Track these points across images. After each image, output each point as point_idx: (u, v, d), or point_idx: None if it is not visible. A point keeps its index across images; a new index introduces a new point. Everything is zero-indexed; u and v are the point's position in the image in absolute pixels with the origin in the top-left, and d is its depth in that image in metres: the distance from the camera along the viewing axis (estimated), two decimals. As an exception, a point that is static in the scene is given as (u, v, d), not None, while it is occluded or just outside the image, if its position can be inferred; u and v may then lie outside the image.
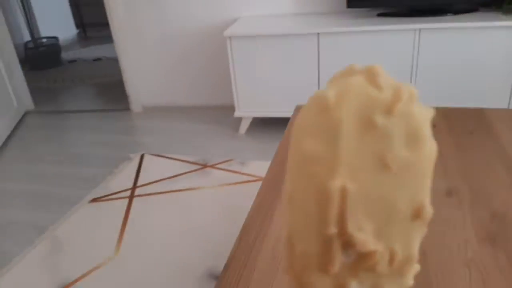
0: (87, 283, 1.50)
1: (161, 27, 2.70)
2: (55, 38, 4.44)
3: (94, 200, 1.97)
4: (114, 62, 4.10)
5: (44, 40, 4.46)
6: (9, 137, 2.72)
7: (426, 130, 0.19)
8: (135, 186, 2.04)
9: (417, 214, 0.18)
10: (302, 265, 0.19)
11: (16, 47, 3.26)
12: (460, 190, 1.02)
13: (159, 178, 2.09)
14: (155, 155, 2.32)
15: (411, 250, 0.19)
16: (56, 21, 4.92)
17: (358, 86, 0.18)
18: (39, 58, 4.18)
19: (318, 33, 2.17)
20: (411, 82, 2.18)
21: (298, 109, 1.60)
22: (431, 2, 2.23)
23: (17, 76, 3.07)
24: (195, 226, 1.72)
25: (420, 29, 2.07)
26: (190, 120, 2.70)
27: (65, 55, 4.47)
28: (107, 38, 4.72)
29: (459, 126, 1.32)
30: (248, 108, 2.39)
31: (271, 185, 1.13)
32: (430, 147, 0.18)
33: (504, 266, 0.79)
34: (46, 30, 4.69)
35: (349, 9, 2.41)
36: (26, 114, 3.11)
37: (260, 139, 2.40)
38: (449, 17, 2.14)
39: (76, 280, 1.52)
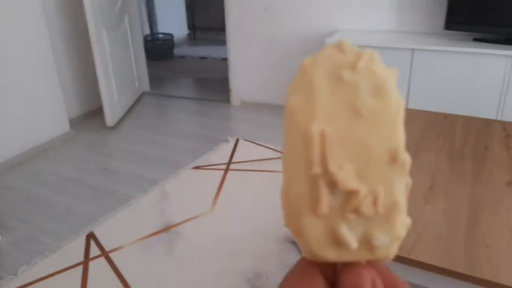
0: (186, 227, 1.84)
1: (268, 33, 3.05)
2: (171, 35, 5.06)
3: (197, 167, 2.33)
4: (218, 61, 4.58)
5: (161, 35, 5.10)
6: (129, 110, 3.24)
7: (391, 84, 0.21)
8: (230, 162, 2.37)
9: (393, 159, 0.20)
10: (296, 209, 0.20)
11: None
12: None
13: (249, 159, 2.40)
14: (248, 140, 2.65)
15: (394, 196, 0.20)
16: (172, 21, 5.58)
17: (328, 53, 0.21)
18: (155, 50, 4.80)
19: (413, 49, 2.34)
20: (499, 106, 2.25)
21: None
22: (531, 33, 2.28)
23: (141, 63, 3.62)
24: (275, 200, 1.99)
25: (514, 56, 2.15)
26: (280, 117, 2.99)
27: (176, 51, 5.07)
28: (212, 40, 5.26)
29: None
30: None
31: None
32: (396, 98, 0.21)
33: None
34: (163, 27, 5.35)
35: (446, 31, 2.54)
36: (143, 94, 3.65)
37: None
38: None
39: (177, 224, 1.86)
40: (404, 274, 0.96)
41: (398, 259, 0.93)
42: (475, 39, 2.43)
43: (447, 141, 1.47)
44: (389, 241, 0.20)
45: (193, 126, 2.96)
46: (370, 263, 0.21)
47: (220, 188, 2.11)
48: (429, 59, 2.32)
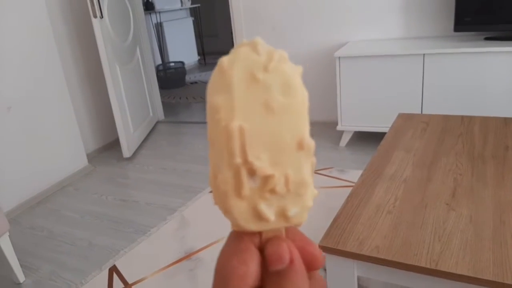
0: (207, 253, 1.81)
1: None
2: (182, 62, 5.14)
3: (214, 190, 2.32)
4: (229, 84, 4.61)
5: (172, 64, 5.19)
6: (145, 140, 3.28)
7: (297, 81, 0.23)
8: (247, 183, 2.36)
9: (300, 146, 0.23)
10: (222, 192, 0.24)
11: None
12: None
13: (267, 179, 2.38)
14: (264, 160, 2.63)
15: (302, 175, 0.24)
16: (182, 49, 5.69)
17: (244, 53, 0.23)
18: (168, 78, 4.88)
19: (423, 54, 2.31)
20: (518, 103, 2.19)
21: (400, 117, 1.77)
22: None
23: (154, 93, 3.68)
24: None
25: (528, 51, 2.09)
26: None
27: (188, 78, 5.14)
28: (224, 64, 5.32)
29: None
30: (350, 122, 2.60)
31: (373, 170, 1.33)
32: (301, 93, 0.24)
33: None
34: (174, 55, 5.46)
35: (456, 33, 2.50)
36: (158, 123, 3.69)
37: (360, 151, 2.57)
38: None
39: (198, 250, 1.84)
40: (433, 285, 0.91)
41: (426, 271, 0.89)
42: (486, 38, 2.38)
43: (466, 144, 1.42)
44: (300, 210, 0.24)
45: (207, 150, 2.96)
46: (289, 235, 0.24)
47: (239, 210, 2.08)
48: (440, 62, 2.28)
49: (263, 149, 0.23)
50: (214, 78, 0.23)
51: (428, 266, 0.88)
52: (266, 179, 0.23)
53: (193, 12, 6.15)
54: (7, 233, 1.71)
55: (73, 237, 2.06)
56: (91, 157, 2.92)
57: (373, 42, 2.72)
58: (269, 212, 0.23)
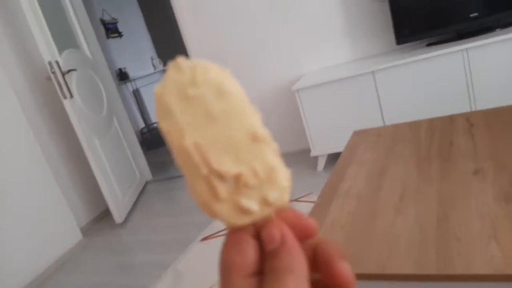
0: (204, 301, 1.85)
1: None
2: (163, 121, 5.31)
3: (204, 238, 2.38)
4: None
5: (155, 124, 5.36)
6: (136, 201, 3.36)
7: (227, 83, 0.24)
8: (235, 225, 2.42)
9: (255, 139, 0.24)
10: (204, 201, 0.24)
11: (135, 133, 4.05)
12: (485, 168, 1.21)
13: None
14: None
15: (268, 163, 0.25)
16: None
17: (171, 76, 0.24)
18: (152, 139, 5.02)
19: (373, 71, 2.45)
20: (469, 97, 2.30)
21: (354, 134, 1.88)
22: (478, 23, 2.37)
23: (138, 155, 3.80)
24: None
25: (467, 49, 2.23)
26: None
27: (172, 134, 5.30)
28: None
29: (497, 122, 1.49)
30: (321, 147, 2.70)
31: (330, 188, 1.42)
32: (235, 93, 0.25)
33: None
34: (155, 116, 5.63)
35: (400, 46, 2.67)
36: (147, 183, 3.78)
37: (339, 173, 2.66)
38: (497, 31, 2.27)
39: (195, 300, 1.88)
40: (385, 289, 0.97)
41: (374, 276, 0.95)
42: (429, 44, 2.54)
43: (413, 148, 1.52)
44: (280, 193, 0.25)
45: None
46: (281, 216, 0.26)
47: (229, 253, 2.14)
48: (389, 75, 2.42)
49: (223, 154, 0.24)
50: (156, 108, 0.25)
51: (375, 272, 0.95)
52: (236, 178, 0.24)
53: (167, 71, 6.40)
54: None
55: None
56: (85, 230, 2.99)
57: (327, 69, 2.88)
58: (251, 204, 0.25)
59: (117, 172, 3.16)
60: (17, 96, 2.69)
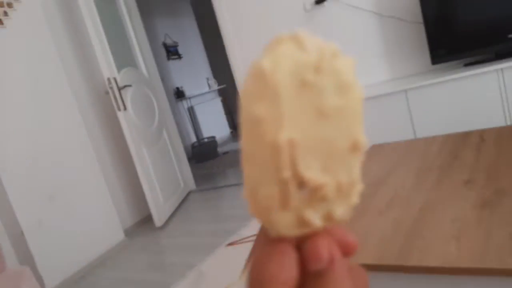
0: (220, 300, 1.96)
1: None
2: (213, 137, 5.59)
3: (230, 243, 2.50)
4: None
5: (206, 139, 5.65)
6: (177, 208, 3.58)
7: (352, 78, 0.21)
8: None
9: (354, 148, 0.21)
10: (265, 206, 0.21)
11: (186, 147, 4.33)
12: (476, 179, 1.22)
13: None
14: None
15: (353, 176, 0.21)
16: (214, 125, 6.19)
17: (288, 52, 0.19)
18: (202, 153, 5.30)
19: (405, 90, 2.47)
20: (505, 116, 2.24)
21: (372, 147, 1.92)
22: (517, 43, 2.32)
23: (184, 166, 4.05)
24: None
25: (502, 69, 2.19)
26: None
27: (220, 149, 5.54)
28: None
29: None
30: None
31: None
32: (357, 91, 0.21)
33: (483, 219, 0.99)
34: (207, 132, 5.93)
35: (436, 66, 2.66)
36: (190, 192, 4.01)
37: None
38: (535, 52, 2.21)
39: (213, 299, 2.00)
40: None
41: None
42: (466, 65, 2.51)
43: (419, 162, 1.54)
44: (346, 210, 0.22)
45: (232, 209, 3.19)
46: (327, 228, 0.22)
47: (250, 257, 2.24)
48: (423, 95, 2.43)
49: (314, 158, 0.20)
50: (251, 85, 0.20)
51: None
52: (317, 188, 0.21)
53: (221, 92, 6.74)
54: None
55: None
56: (128, 231, 3.25)
57: (364, 88, 2.92)
58: (315, 218, 0.21)
59: (162, 180, 3.41)
60: (79, 107, 3.05)
